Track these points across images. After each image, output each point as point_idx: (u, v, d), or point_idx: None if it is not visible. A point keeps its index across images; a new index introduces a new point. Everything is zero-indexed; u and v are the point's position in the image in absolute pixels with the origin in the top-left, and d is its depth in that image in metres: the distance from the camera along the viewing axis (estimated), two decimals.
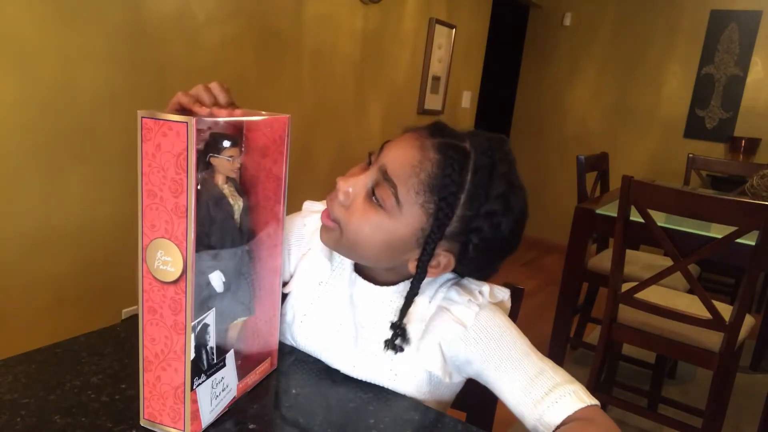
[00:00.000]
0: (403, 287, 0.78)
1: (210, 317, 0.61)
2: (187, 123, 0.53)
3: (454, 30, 3.71)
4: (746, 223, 1.58)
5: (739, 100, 4.02)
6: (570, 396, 0.67)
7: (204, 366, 0.61)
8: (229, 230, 0.64)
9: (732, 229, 1.62)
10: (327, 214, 0.75)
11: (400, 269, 0.76)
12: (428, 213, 0.69)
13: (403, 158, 0.70)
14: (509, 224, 0.71)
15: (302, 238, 0.87)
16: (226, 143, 0.61)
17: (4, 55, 1.58)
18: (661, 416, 1.95)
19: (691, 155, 3.25)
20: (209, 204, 0.60)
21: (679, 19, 4.16)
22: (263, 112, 0.68)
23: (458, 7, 3.75)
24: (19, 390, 0.66)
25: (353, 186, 0.72)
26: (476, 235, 0.71)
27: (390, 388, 0.77)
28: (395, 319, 0.77)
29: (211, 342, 0.62)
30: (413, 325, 0.77)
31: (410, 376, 0.76)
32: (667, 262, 2.38)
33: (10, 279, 1.70)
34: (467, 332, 0.74)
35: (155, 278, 0.58)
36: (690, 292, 2.10)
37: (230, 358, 0.67)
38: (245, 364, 0.70)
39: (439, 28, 3.56)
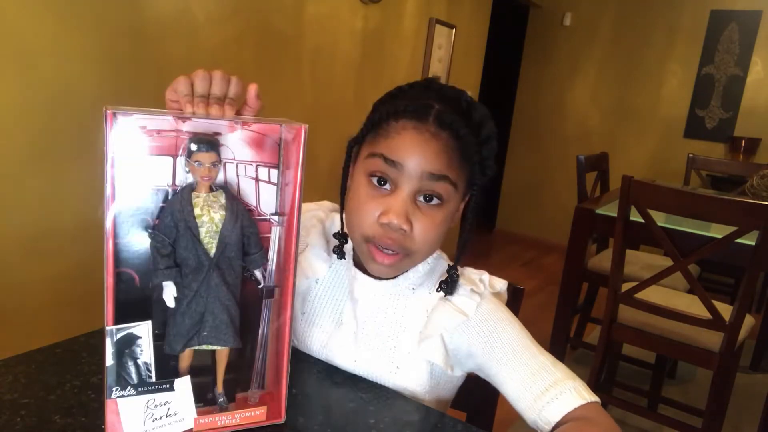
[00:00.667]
0: (402, 280, 0.80)
1: (141, 329, 0.57)
2: (105, 112, 0.53)
3: (454, 30, 3.71)
4: (746, 223, 1.58)
5: (739, 100, 4.01)
6: (570, 392, 0.68)
7: (132, 380, 0.58)
8: (190, 244, 0.60)
9: (732, 229, 1.62)
10: (385, 256, 0.73)
11: None
12: (468, 174, 0.75)
13: (432, 153, 0.71)
14: (494, 127, 0.77)
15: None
16: (194, 147, 0.57)
17: (4, 55, 1.58)
18: (661, 416, 1.95)
19: (691, 155, 3.25)
20: (172, 211, 0.58)
21: (679, 19, 4.16)
22: (282, 119, 0.63)
23: (458, 7, 3.75)
24: (19, 390, 0.66)
25: (402, 210, 0.71)
26: (488, 154, 0.76)
27: (391, 382, 0.77)
28: (395, 315, 0.79)
29: (145, 357, 0.58)
30: (415, 316, 0.79)
31: (411, 369, 0.77)
32: (667, 262, 2.37)
33: (10, 279, 1.70)
34: (469, 323, 0.76)
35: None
36: (690, 292, 2.10)
37: (182, 384, 0.61)
38: (261, 400, 0.65)
39: (439, 28, 3.56)
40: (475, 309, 0.76)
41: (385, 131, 0.73)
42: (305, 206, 0.90)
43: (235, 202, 0.61)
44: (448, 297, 0.78)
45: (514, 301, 0.92)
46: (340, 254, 0.83)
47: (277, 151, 0.62)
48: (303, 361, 0.81)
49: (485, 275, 0.80)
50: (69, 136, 1.77)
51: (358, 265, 0.82)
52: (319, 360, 0.81)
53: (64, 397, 0.65)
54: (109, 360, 0.56)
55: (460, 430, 0.70)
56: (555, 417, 0.67)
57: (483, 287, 0.78)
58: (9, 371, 0.69)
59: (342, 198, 0.79)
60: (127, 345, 0.57)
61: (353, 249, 0.81)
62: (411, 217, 0.71)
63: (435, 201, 0.72)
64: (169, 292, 0.59)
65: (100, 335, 0.80)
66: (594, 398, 0.69)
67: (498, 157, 0.79)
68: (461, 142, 0.72)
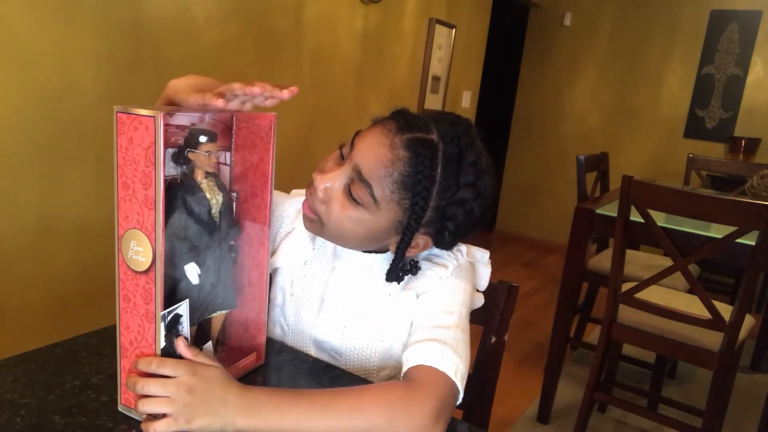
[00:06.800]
0: (389, 255, 0.80)
1: (183, 308, 0.64)
2: (154, 117, 0.55)
3: (454, 30, 3.71)
4: (746, 223, 1.58)
5: (739, 100, 4.01)
6: (432, 353, 0.69)
7: (177, 355, 0.63)
8: (206, 224, 0.66)
9: (732, 229, 1.62)
10: (308, 207, 0.78)
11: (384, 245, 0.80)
12: (404, 207, 0.72)
13: (375, 158, 0.71)
14: (480, 208, 0.75)
15: (288, 217, 0.90)
16: (203, 138, 0.64)
17: (4, 55, 1.58)
18: (661, 416, 1.95)
19: (691, 155, 3.25)
20: (185, 198, 0.63)
21: (679, 19, 4.16)
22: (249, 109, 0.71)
23: (458, 7, 3.75)
24: (19, 390, 0.66)
25: (330, 182, 0.75)
26: (451, 222, 0.74)
27: (378, 354, 0.80)
28: (380, 286, 0.81)
29: (185, 332, 0.64)
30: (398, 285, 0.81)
31: (396, 334, 0.80)
32: (667, 262, 2.37)
33: (10, 279, 1.70)
34: (444, 274, 0.78)
35: (129, 267, 0.60)
36: (690, 292, 2.10)
37: (208, 349, 0.70)
38: (229, 356, 0.73)
39: (439, 28, 3.56)
40: (452, 269, 0.79)
41: None
42: (298, 191, 0.93)
43: (222, 182, 0.69)
44: (429, 260, 0.81)
45: (509, 297, 0.94)
46: None
47: (228, 135, 0.72)
48: (296, 359, 0.81)
49: (463, 246, 0.82)
50: (69, 135, 1.77)
51: None
52: (309, 356, 0.82)
53: (64, 397, 0.65)
54: (162, 342, 0.61)
55: (460, 429, 0.70)
56: (406, 363, 0.70)
57: (461, 256, 0.81)
58: (9, 371, 0.69)
59: None
60: (173, 325, 0.63)
61: None
62: (331, 194, 0.74)
63: (356, 198, 0.73)
64: (194, 271, 0.66)
65: (100, 335, 0.81)
66: (449, 376, 0.67)
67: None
68: (411, 166, 0.70)
